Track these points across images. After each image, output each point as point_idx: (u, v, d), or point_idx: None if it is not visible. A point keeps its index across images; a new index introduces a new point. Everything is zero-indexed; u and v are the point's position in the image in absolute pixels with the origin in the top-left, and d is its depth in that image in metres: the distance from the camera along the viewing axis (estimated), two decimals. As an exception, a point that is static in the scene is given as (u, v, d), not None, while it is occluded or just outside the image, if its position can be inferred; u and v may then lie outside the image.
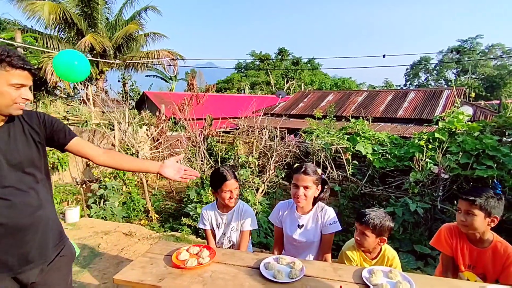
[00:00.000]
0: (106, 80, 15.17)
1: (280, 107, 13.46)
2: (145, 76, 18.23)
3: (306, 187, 1.96)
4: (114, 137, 6.26)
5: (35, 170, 1.35)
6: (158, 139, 6.60)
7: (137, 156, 5.47)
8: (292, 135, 8.66)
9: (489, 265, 1.84)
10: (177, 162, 1.65)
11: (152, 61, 14.56)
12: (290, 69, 31.12)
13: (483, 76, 33.37)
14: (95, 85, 14.08)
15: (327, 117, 8.77)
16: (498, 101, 15.72)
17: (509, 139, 4.92)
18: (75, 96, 14.23)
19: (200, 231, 4.64)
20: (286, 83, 28.59)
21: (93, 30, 13.92)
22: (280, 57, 33.31)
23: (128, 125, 6.36)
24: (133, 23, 14.27)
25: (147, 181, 7.40)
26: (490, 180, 4.36)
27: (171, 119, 9.24)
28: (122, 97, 14.84)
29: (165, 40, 15.59)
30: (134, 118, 6.97)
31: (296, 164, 2.01)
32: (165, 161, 1.62)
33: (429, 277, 1.68)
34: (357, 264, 1.94)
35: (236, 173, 2.26)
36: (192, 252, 1.83)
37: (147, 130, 6.77)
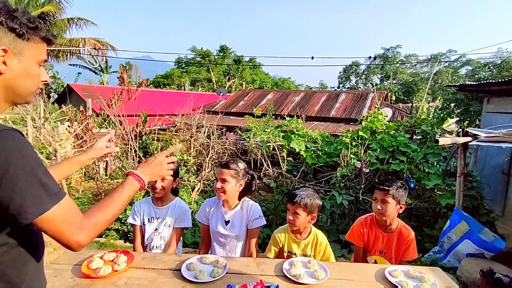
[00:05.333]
0: (20, 69, 13.16)
1: (220, 105, 13.35)
2: (69, 64, 16.31)
3: (223, 180, 1.97)
4: (26, 134, 5.45)
5: None
6: (82, 137, 5.96)
7: (55, 156, 4.85)
8: (232, 133, 8.66)
9: (395, 248, 2.11)
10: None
11: (75, 49, 12.95)
12: (232, 65, 31.08)
13: (401, 82, 37.84)
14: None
15: (266, 115, 9.00)
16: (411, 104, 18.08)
17: (418, 137, 5.67)
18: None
19: (129, 235, 4.34)
20: (228, 81, 28.52)
21: (-1, 8, 11.97)
22: (222, 54, 33.04)
23: (44, 121, 5.60)
24: (50, 4, 12.58)
25: (70, 183, 6.66)
26: (403, 173, 4.96)
27: (101, 115, 8.44)
28: (41, 89, 13.04)
29: (94, 29, 14.21)
30: (52, 113, 6.17)
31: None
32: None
33: (342, 264, 1.81)
34: (283, 245, 2.04)
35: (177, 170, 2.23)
36: (107, 259, 1.66)
37: (69, 126, 6.05)
